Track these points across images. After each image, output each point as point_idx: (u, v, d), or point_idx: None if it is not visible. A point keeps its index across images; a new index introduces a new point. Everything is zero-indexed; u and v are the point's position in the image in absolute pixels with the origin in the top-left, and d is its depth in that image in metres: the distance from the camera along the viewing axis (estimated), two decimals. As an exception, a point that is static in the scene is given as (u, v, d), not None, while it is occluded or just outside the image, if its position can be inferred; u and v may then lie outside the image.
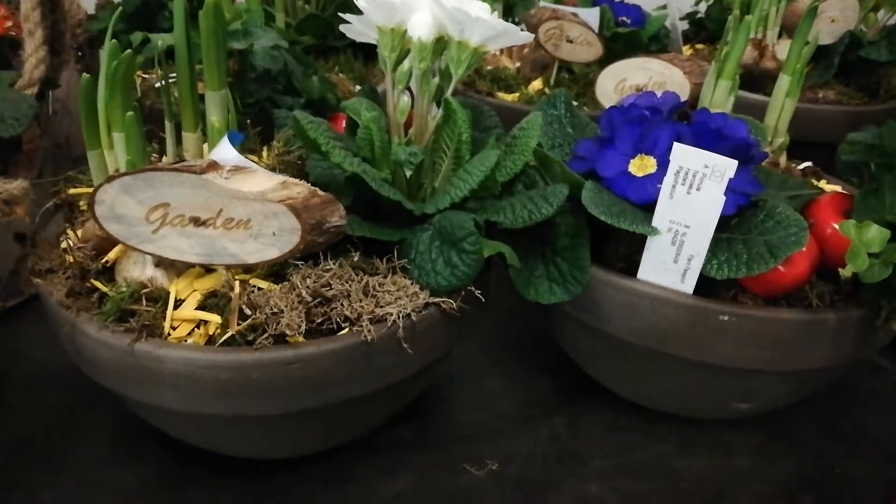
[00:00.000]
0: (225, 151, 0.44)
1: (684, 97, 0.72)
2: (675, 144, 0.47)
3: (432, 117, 0.56)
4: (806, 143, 0.83)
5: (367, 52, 1.00)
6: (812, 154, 0.96)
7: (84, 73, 0.42)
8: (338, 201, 0.45)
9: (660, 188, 0.50)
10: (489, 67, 0.96)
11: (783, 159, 0.73)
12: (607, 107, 0.79)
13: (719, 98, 0.68)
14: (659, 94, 0.74)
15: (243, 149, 0.62)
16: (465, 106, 0.64)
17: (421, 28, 0.50)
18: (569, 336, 0.64)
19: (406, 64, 0.55)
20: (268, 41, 0.64)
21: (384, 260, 0.50)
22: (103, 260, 0.49)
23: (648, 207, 0.52)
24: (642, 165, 0.54)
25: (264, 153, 0.64)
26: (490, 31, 0.49)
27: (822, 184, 0.72)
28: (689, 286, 0.51)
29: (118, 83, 0.42)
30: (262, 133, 0.67)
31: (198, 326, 0.46)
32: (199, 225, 0.44)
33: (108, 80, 0.42)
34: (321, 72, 0.92)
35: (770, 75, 1.01)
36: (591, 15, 0.88)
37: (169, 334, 0.45)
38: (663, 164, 0.53)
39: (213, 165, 0.42)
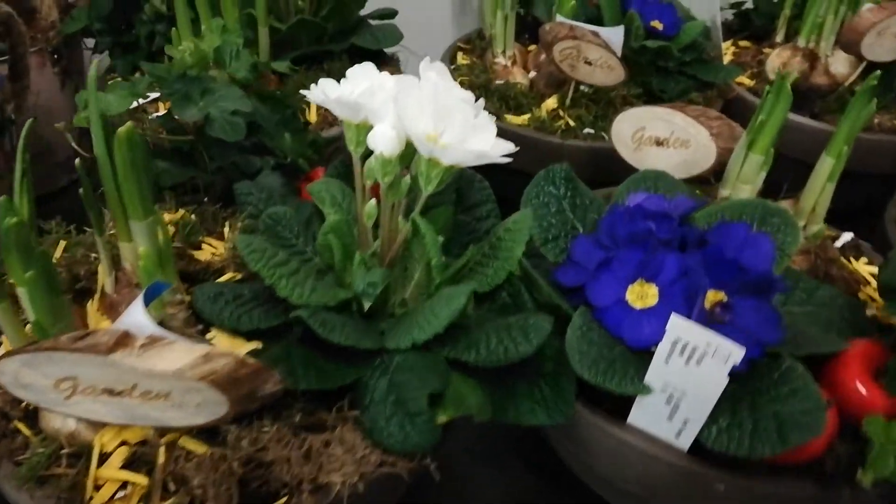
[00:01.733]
0: (138, 316, 0.38)
1: (709, 161, 0.63)
2: (673, 317, 0.39)
3: (403, 220, 0.49)
4: (856, 174, 0.74)
5: (368, 59, 0.90)
6: (862, 186, 0.86)
7: None
8: (271, 369, 0.39)
9: (657, 340, 0.42)
10: (499, 82, 0.86)
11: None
12: (622, 153, 0.70)
13: (749, 173, 0.59)
14: (680, 154, 0.65)
15: (203, 230, 0.56)
16: (453, 180, 0.56)
17: (384, 143, 0.43)
18: (557, 447, 0.58)
19: (374, 159, 0.47)
20: (229, 103, 0.56)
21: (334, 409, 0.44)
22: (23, 403, 0.44)
23: (645, 350, 0.45)
24: (642, 294, 0.47)
25: (226, 231, 0.58)
26: (462, 158, 0.41)
27: (861, 264, 0.63)
28: (684, 444, 0.45)
29: (12, 242, 0.36)
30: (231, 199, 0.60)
31: (124, 486, 0.42)
32: (113, 395, 0.39)
33: (3, 238, 0.36)
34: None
35: (819, 92, 0.90)
36: (615, 34, 0.77)
37: (91, 497, 0.41)
38: (666, 298, 0.46)
39: (124, 340, 0.37)
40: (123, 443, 0.43)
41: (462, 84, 0.89)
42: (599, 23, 0.85)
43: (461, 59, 0.97)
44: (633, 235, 0.48)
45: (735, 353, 0.37)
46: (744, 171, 0.59)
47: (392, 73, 0.90)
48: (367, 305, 0.45)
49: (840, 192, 0.62)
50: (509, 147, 0.45)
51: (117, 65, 0.87)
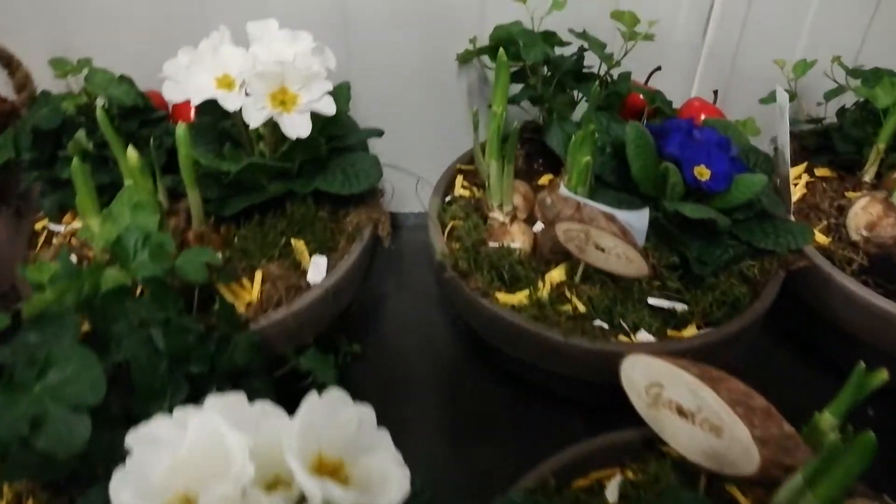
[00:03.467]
0: None
1: (750, 467, 0.44)
2: None
3: None
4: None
5: (337, 202, 0.74)
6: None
7: None
8: None
9: None
10: (492, 244, 0.68)
11: None
12: (634, 402, 0.52)
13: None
14: (709, 440, 0.47)
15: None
16: None
17: None
18: None
19: None
20: (77, 387, 0.41)
21: None
22: None
23: None
24: None
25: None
26: None
27: None
28: None
29: None
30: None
31: None
32: None
33: None
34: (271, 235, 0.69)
35: (920, 268, 0.68)
36: (637, 219, 0.58)
37: None
38: None
39: None
40: None
41: (454, 228, 0.72)
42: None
43: (460, 186, 0.80)
44: None
45: None
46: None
47: (370, 216, 0.75)
48: None
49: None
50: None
51: (43, 204, 0.74)
